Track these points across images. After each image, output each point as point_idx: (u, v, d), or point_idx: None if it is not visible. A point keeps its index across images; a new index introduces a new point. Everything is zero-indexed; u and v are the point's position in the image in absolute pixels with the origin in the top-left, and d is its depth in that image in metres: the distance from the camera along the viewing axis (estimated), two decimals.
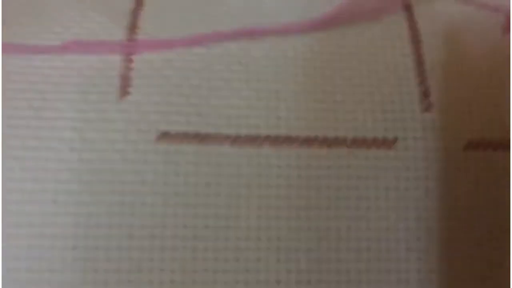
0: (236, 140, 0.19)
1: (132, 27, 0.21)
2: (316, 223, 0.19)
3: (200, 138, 0.19)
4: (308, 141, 0.19)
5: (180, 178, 0.19)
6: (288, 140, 0.19)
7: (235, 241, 0.18)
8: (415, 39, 0.22)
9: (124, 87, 0.19)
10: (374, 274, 0.18)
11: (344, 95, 0.20)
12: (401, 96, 0.20)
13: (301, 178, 0.19)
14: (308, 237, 0.18)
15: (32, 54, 0.20)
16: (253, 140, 0.19)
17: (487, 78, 0.21)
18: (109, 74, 0.20)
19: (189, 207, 0.18)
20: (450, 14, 0.23)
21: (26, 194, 0.18)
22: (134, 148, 0.19)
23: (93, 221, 0.18)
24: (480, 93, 0.21)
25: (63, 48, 0.20)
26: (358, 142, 0.20)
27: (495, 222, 0.19)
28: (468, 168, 0.19)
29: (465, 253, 0.19)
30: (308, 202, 0.19)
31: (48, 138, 0.19)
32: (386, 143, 0.20)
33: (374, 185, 0.19)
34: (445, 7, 0.23)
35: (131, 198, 0.18)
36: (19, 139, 0.19)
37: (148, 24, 0.21)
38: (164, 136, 0.19)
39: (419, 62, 0.21)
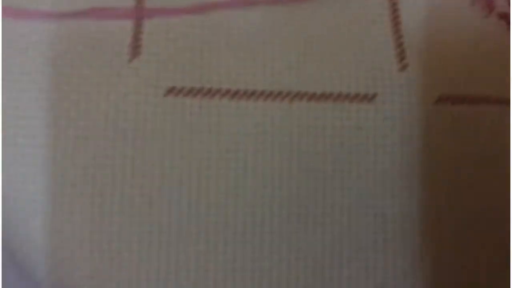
0: (235, 94, 0.22)
1: None
2: (306, 165, 0.21)
3: (203, 92, 0.21)
4: (298, 96, 0.22)
5: (185, 127, 0.21)
6: (280, 95, 0.22)
7: (234, 180, 0.21)
8: (394, 8, 0.24)
9: (135, 48, 0.22)
10: (354, 210, 0.21)
11: (330, 57, 0.23)
12: (380, 58, 0.23)
13: (292, 127, 0.22)
14: (298, 179, 0.21)
15: (49, 20, 0.22)
16: (250, 94, 0.22)
17: (456, 42, 0.23)
18: (121, 37, 0.22)
19: (193, 152, 0.21)
20: None
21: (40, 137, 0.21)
22: (145, 100, 0.21)
23: (109, 162, 0.20)
24: (449, 54, 0.23)
25: (79, 14, 0.22)
26: (342, 97, 0.22)
27: (459, 167, 0.22)
28: (438, 119, 0.22)
29: (434, 192, 0.22)
30: (299, 148, 0.21)
31: (66, 91, 0.21)
32: (367, 97, 0.22)
33: (356, 134, 0.22)
34: None
35: (142, 142, 0.21)
36: (35, 92, 0.21)
37: None
38: (171, 90, 0.21)
39: (397, 28, 0.24)
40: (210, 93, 0.22)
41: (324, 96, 0.22)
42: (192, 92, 0.21)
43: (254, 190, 0.21)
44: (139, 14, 0.23)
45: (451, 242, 0.22)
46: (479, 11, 0.25)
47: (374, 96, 0.22)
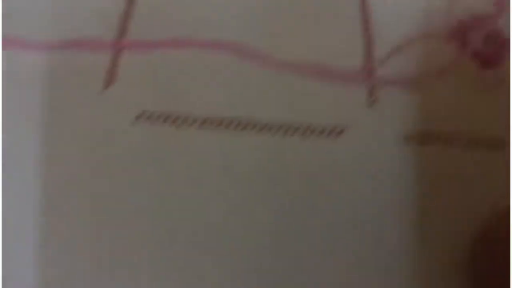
0: (203, 122, 0.22)
1: (120, 28, 0.24)
2: (284, 191, 0.22)
3: (172, 119, 0.22)
4: (266, 127, 0.23)
5: (154, 150, 0.22)
6: (249, 125, 0.23)
7: (200, 207, 0.21)
8: (366, 32, 0.25)
9: (110, 77, 0.23)
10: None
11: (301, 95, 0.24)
12: (350, 95, 0.24)
13: (261, 156, 0.22)
14: (268, 206, 0.22)
15: (24, 49, 0.23)
16: (219, 123, 0.22)
17: (426, 80, 0.24)
18: (98, 67, 0.23)
19: (161, 175, 0.22)
20: None
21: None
22: (114, 127, 0.22)
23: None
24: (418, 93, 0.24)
25: (53, 45, 0.23)
26: (311, 129, 0.23)
27: (427, 203, 0.22)
28: (406, 156, 0.23)
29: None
30: (275, 176, 0.22)
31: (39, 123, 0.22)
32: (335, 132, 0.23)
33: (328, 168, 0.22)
34: None
35: (113, 162, 0.22)
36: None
37: (135, 25, 0.24)
38: (141, 116, 0.22)
39: (369, 70, 0.24)
40: (178, 120, 0.22)
41: (291, 129, 0.23)
42: (161, 117, 0.22)
43: (223, 215, 0.22)
44: (117, 46, 0.24)
45: None
46: (453, 49, 0.25)
47: (341, 131, 0.23)
